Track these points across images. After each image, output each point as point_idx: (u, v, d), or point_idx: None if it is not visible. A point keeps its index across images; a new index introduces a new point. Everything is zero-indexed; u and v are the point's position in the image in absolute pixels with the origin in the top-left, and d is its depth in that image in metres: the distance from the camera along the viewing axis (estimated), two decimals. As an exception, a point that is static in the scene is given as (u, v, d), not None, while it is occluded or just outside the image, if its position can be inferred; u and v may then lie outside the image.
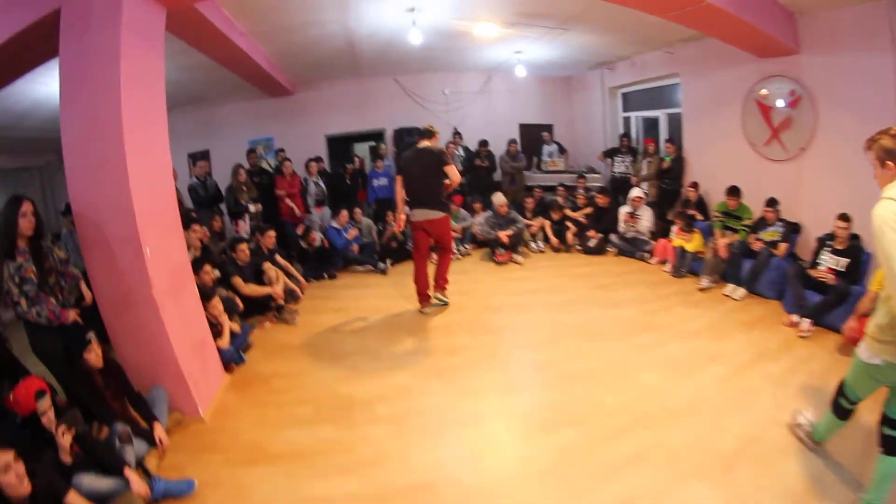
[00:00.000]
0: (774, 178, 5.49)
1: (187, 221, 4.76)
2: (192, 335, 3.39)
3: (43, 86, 4.95)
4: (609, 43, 6.89)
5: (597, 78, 9.03)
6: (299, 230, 6.41)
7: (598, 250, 6.66)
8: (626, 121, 8.90)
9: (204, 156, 8.68)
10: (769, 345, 3.79)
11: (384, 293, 5.47)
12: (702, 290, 5.08)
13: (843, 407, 2.32)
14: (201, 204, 6.59)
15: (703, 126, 6.67)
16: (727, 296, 4.89)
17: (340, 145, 9.33)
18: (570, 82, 9.98)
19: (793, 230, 5.08)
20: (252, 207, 6.50)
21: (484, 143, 8.23)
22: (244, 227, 6.46)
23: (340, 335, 4.41)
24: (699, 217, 6.14)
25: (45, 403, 2.32)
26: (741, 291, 4.87)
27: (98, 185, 2.95)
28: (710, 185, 6.39)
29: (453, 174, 4.46)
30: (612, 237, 6.69)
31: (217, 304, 3.97)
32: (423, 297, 4.84)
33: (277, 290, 4.89)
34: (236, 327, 4.17)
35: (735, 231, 5.34)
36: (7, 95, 4.82)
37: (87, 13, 2.90)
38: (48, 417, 2.31)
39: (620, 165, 7.70)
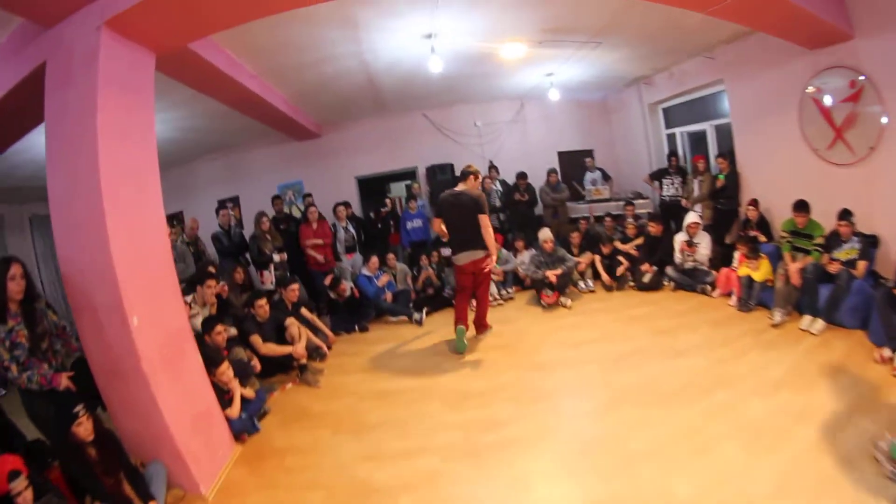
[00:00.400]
0: (844, 186, 4.89)
1: (202, 276, 4.71)
2: (194, 407, 3.17)
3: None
4: (644, 54, 6.54)
5: (634, 95, 8.63)
6: (326, 280, 6.15)
7: (654, 286, 6.06)
8: (671, 138, 8.38)
9: (234, 202, 8.84)
10: (861, 391, 3.17)
11: (418, 348, 5.08)
12: (775, 325, 4.44)
13: None
14: (225, 253, 6.51)
15: (756, 135, 6.09)
16: (804, 330, 4.25)
17: (374, 186, 9.21)
18: (607, 103, 9.62)
19: (871, 244, 4.45)
20: (277, 257, 6.30)
21: (522, 176, 7.76)
22: (269, 277, 6.26)
23: (366, 402, 4.00)
24: (763, 238, 5.53)
25: (19, 484, 2.25)
26: (819, 324, 4.21)
27: (80, 247, 2.82)
28: (771, 200, 5.80)
29: (486, 226, 4.59)
30: (668, 269, 6.08)
31: (226, 371, 3.68)
32: (462, 322, 4.82)
33: (298, 349, 4.59)
34: (250, 393, 3.89)
35: (806, 252, 4.71)
36: (32, 146, 4.87)
37: (68, 65, 2.84)
38: (24, 498, 2.25)
39: (669, 188, 7.16)
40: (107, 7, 2.76)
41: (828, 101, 4.94)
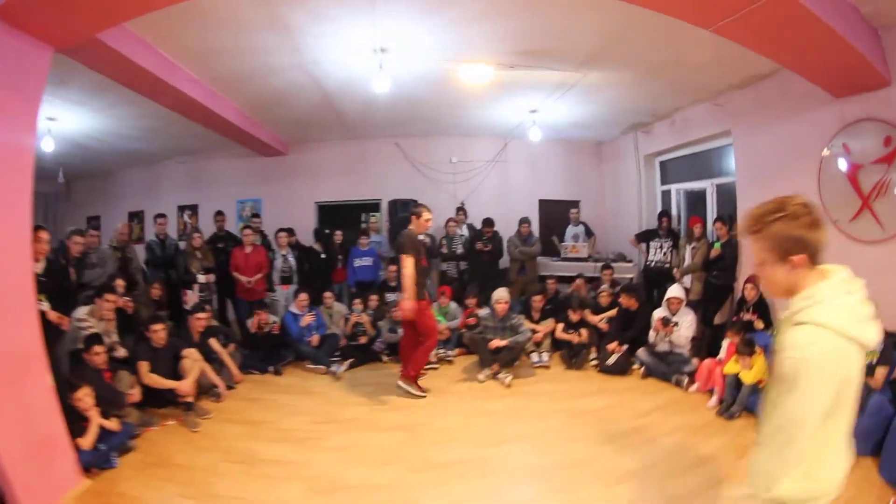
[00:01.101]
0: (867, 268, 4.39)
1: (102, 289, 4.91)
2: (33, 432, 3.17)
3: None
4: (642, 96, 6.44)
5: (630, 144, 8.58)
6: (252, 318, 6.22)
7: (620, 369, 5.65)
8: (666, 195, 8.32)
9: (193, 210, 9.30)
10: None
11: (320, 409, 4.89)
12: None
13: None
14: (156, 264, 6.77)
15: (764, 197, 5.47)
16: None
17: (343, 215, 9.21)
18: (600, 150, 9.67)
19: (895, 345, 3.72)
20: (202, 278, 6.41)
21: (488, 223, 7.67)
22: (193, 298, 6.36)
23: (229, 464, 3.80)
24: (759, 325, 5.12)
25: None
26: (816, 447, 3.74)
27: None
28: (775, 278, 5.55)
29: (403, 266, 4.91)
30: (640, 351, 5.66)
31: (83, 398, 3.71)
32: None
33: (184, 386, 4.59)
34: (113, 425, 3.87)
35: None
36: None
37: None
38: None
39: (657, 252, 7.03)
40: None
41: (854, 161, 4.55)
